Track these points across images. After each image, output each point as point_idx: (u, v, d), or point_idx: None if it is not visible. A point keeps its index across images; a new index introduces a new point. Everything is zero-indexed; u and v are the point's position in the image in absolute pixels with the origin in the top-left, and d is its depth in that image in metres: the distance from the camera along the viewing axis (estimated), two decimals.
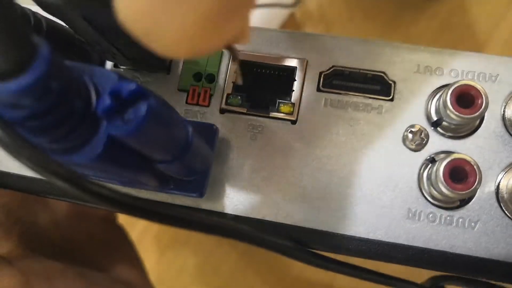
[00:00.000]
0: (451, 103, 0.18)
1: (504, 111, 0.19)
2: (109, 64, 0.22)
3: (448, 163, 0.17)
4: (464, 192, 0.17)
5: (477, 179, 0.17)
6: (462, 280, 0.20)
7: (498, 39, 0.43)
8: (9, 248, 0.25)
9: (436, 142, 0.19)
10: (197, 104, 0.21)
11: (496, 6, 0.43)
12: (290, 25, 0.53)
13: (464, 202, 0.19)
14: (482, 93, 0.18)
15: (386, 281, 0.19)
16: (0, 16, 0.11)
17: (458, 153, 0.18)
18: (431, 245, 0.18)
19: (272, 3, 0.53)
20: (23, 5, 0.18)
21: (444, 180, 0.17)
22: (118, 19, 0.11)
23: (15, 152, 0.12)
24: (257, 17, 0.50)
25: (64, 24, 0.20)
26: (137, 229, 0.49)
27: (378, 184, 0.19)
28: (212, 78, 0.21)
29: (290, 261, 0.19)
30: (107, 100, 0.13)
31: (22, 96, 0.12)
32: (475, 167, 0.17)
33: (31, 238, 0.27)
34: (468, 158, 0.17)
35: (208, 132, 0.19)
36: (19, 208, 0.28)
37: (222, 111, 0.20)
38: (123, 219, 0.37)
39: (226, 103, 0.20)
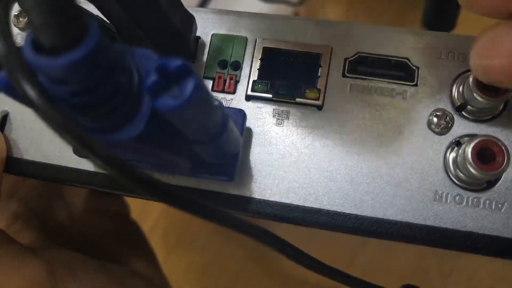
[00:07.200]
0: (476, 86, 0.18)
1: None
2: None
3: (476, 144, 0.18)
4: (493, 172, 0.17)
5: (505, 159, 0.17)
6: None
7: None
8: (30, 239, 0.25)
9: (461, 126, 0.19)
10: (223, 91, 0.21)
11: None
12: None
13: (490, 184, 0.19)
14: None
15: (358, 284, 0.19)
16: None
17: (484, 135, 0.18)
18: (459, 226, 0.19)
19: (279, 0, 0.53)
20: None
21: (473, 160, 0.18)
22: None
23: (65, 131, 0.12)
24: None
25: (90, 11, 0.20)
26: (144, 227, 0.49)
27: (405, 167, 0.19)
28: (237, 65, 0.21)
29: None
30: (153, 76, 0.13)
31: (73, 71, 0.12)
32: (503, 147, 0.18)
33: (50, 231, 0.27)
34: (495, 139, 0.18)
35: (237, 116, 0.19)
36: (36, 201, 0.28)
37: (248, 97, 0.21)
38: (132, 215, 0.37)
39: (252, 90, 0.21)
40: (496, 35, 0.16)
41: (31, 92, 0.12)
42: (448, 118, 0.20)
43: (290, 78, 0.21)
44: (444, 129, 0.20)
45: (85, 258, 0.25)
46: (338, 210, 0.19)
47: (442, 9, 0.30)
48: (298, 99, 0.20)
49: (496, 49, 0.16)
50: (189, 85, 0.13)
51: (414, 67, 0.20)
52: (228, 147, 0.17)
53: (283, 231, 0.20)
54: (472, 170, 0.18)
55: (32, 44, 0.12)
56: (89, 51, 0.12)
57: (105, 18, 0.19)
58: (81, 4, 0.18)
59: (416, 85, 0.20)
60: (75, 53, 0.12)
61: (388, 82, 0.20)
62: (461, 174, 0.19)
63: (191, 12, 0.21)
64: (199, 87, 0.13)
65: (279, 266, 0.50)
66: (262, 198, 0.20)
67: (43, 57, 0.12)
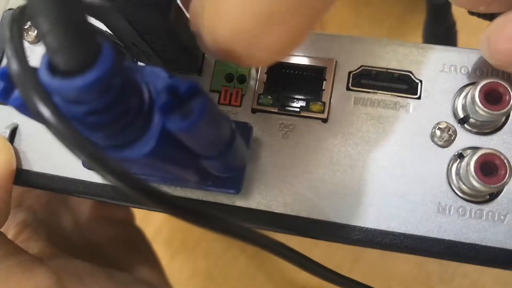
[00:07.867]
0: (479, 100, 0.18)
1: None
2: None
3: (479, 157, 0.18)
4: (496, 185, 0.18)
5: (508, 172, 0.18)
6: None
7: None
8: (39, 248, 0.25)
9: (464, 138, 0.20)
10: (229, 104, 0.21)
11: None
12: None
13: (493, 196, 0.19)
14: (510, 90, 0.18)
15: None
16: (69, 15, 0.12)
17: (487, 148, 0.19)
18: (462, 238, 0.19)
19: None
20: None
21: (475, 173, 0.18)
22: (220, 36, 0.14)
23: (77, 148, 0.13)
24: None
25: (98, 27, 0.20)
26: (147, 233, 0.50)
27: (409, 180, 0.20)
28: (243, 79, 0.21)
29: None
30: (165, 96, 0.13)
31: (87, 92, 0.12)
32: (505, 161, 0.18)
33: (57, 240, 0.27)
34: (497, 153, 0.18)
35: (243, 130, 0.19)
36: (43, 210, 0.28)
37: (254, 110, 0.21)
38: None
39: (258, 103, 0.21)
40: (504, 21, 0.17)
41: (45, 111, 0.12)
42: (451, 130, 0.20)
43: (295, 91, 0.21)
44: (447, 142, 0.20)
45: (93, 266, 0.26)
46: (342, 222, 0.19)
47: (439, 26, 0.30)
48: (303, 112, 0.21)
49: (503, 33, 0.17)
50: (199, 105, 0.13)
51: (417, 80, 0.21)
52: (235, 161, 0.18)
53: (285, 236, 0.20)
54: (474, 182, 0.18)
55: (47, 66, 0.12)
56: (103, 73, 0.12)
57: (113, 34, 0.19)
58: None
59: (419, 98, 0.20)
60: (90, 75, 0.12)
61: (391, 95, 0.21)
62: (464, 186, 0.19)
63: None
64: (209, 107, 0.13)
65: (282, 271, 0.51)
66: (268, 210, 0.20)
67: (58, 79, 0.12)
